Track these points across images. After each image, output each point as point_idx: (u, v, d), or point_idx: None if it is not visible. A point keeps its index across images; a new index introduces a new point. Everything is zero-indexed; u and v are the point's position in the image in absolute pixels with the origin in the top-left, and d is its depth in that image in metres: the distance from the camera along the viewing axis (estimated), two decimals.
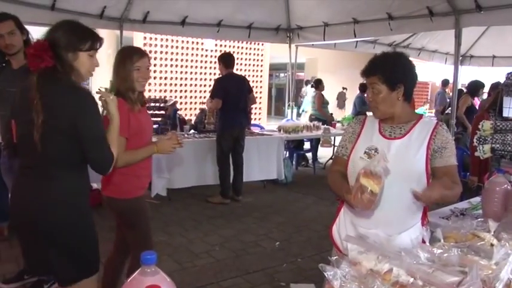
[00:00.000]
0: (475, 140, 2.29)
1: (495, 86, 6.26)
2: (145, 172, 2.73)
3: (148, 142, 2.71)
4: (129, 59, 2.59)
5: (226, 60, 5.95)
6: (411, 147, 1.95)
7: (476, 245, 1.58)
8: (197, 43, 12.09)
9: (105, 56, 12.50)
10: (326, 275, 1.32)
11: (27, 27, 3.32)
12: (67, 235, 1.96)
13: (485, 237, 1.63)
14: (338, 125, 8.91)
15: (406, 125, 2.02)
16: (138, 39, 11.05)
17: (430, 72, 14.20)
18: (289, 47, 8.47)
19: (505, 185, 2.25)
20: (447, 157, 1.95)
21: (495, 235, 1.66)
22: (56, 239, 1.95)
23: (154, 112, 6.83)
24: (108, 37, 12.37)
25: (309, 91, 10.61)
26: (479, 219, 1.85)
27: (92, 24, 8.00)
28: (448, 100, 9.65)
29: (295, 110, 9.26)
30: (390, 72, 1.95)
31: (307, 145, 8.77)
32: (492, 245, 1.57)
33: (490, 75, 9.09)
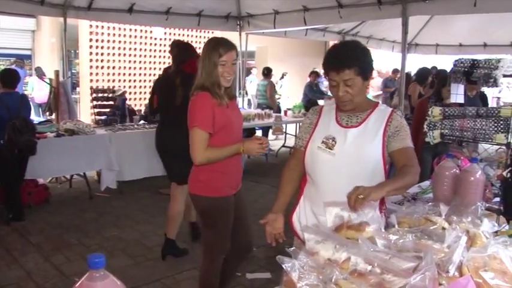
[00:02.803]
0: (425, 126, 2.33)
1: (438, 73, 6.42)
2: (233, 169, 2.62)
3: (237, 139, 2.56)
4: (215, 52, 2.45)
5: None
6: (367, 135, 1.95)
7: (429, 229, 1.60)
8: (145, 31, 11.76)
9: (49, 45, 12.03)
10: (284, 267, 1.31)
11: None
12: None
13: (437, 221, 1.65)
14: (289, 112, 8.96)
15: (362, 113, 2.01)
16: (83, 27, 10.63)
17: (378, 60, 14.53)
18: (240, 35, 8.40)
19: (454, 169, 2.31)
20: (401, 139, 1.95)
21: (446, 218, 1.69)
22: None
23: (102, 103, 6.62)
24: (52, 25, 11.88)
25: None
26: (430, 204, 1.88)
27: (33, 11, 7.65)
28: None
29: (245, 98, 9.26)
30: (365, 64, 1.92)
31: (258, 133, 8.78)
32: (444, 228, 1.60)
33: (434, 63, 9.38)
